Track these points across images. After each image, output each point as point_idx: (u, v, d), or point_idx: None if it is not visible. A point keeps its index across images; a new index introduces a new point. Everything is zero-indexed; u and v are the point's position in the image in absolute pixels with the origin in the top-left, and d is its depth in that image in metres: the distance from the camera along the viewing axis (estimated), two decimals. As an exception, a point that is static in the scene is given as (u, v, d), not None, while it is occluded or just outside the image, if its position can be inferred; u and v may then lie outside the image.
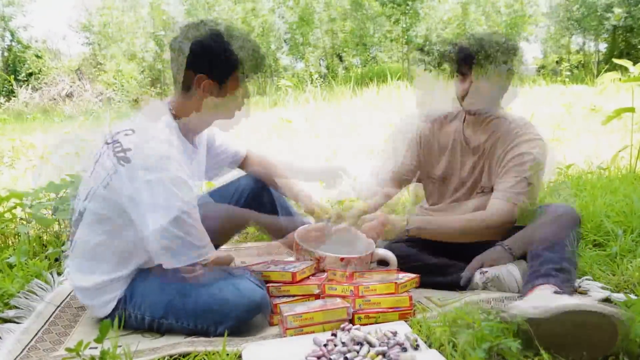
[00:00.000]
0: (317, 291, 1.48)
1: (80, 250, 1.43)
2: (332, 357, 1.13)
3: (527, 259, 1.46)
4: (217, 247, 1.56)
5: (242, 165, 1.86)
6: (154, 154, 1.29)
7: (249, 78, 1.44)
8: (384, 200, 1.86)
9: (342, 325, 1.28)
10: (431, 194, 1.88)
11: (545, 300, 1.17)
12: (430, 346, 1.18)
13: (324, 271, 1.59)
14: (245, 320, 1.37)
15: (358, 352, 1.14)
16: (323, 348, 1.16)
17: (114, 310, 1.42)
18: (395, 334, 1.21)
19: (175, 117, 1.44)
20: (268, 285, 1.49)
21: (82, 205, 1.41)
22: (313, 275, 1.57)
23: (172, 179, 1.28)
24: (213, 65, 1.39)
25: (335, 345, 1.18)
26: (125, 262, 1.41)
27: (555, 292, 1.28)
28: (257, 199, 1.80)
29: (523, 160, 1.60)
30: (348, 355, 1.12)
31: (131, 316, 1.42)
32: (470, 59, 1.58)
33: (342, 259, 1.57)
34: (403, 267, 1.62)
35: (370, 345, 1.16)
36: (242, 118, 1.51)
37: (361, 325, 1.31)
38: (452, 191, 1.80)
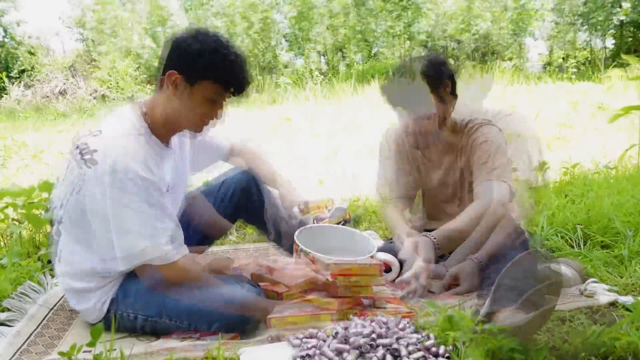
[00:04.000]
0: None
1: (65, 258, 1.42)
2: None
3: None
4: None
5: (228, 158, 1.83)
6: (120, 155, 1.28)
7: (225, 93, 1.40)
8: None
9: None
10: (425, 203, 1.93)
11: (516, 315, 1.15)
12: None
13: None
14: (240, 320, 1.35)
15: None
16: (316, 350, 1.11)
17: (107, 313, 1.41)
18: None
19: (147, 116, 1.41)
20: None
21: (58, 213, 1.40)
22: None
23: (138, 179, 1.28)
24: (184, 63, 1.35)
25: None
26: (110, 265, 1.38)
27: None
28: (245, 194, 1.77)
29: (487, 146, 1.68)
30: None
31: (124, 316, 1.41)
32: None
33: (334, 264, 1.48)
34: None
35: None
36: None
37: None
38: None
